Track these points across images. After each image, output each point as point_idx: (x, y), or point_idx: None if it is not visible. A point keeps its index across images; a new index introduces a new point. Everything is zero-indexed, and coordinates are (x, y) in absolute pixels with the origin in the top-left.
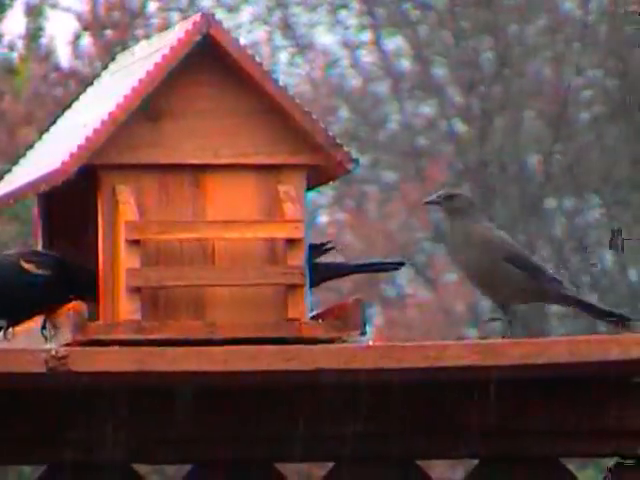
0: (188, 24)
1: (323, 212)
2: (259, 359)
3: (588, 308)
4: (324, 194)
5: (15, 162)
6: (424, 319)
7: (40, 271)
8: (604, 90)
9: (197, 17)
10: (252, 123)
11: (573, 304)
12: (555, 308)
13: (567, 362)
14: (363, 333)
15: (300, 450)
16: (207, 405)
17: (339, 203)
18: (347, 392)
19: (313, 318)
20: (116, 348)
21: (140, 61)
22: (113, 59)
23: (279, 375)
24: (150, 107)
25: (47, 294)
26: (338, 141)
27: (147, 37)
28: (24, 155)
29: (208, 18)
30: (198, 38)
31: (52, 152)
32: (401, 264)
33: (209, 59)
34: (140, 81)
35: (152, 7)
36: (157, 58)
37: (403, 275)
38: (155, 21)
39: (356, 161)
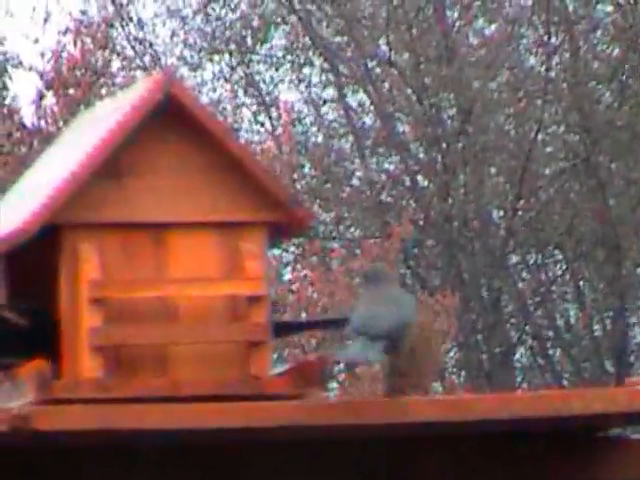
0: (150, 82)
1: (287, 269)
2: (223, 416)
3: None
4: (288, 251)
5: None
6: None
7: (21, 320)
8: (566, 145)
9: (159, 75)
10: (213, 181)
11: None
12: (520, 362)
13: (530, 417)
14: (326, 389)
15: None
16: (171, 462)
17: (303, 260)
18: (311, 448)
19: (277, 375)
20: (79, 406)
21: (102, 119)
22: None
23: (243, 432)
24: (112, 165)
25: (25, 343)
26: (299, 198)
27: (110, 96)
28: None
29: (169, 76)
30: (160, 96)
31: (15, 211)
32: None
33: (171, 117)
34: (102, 139)
35: (115, 66)
36: (119, 116)
37: None
38: (119, 80)
39: (316, 218)
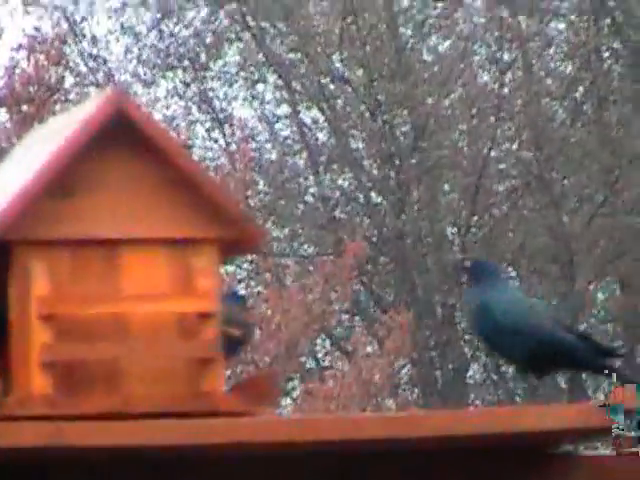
0: (100, 99)
1: (241, 285)
2: (173, 433)
3: None
4: (242, 268)
5: None
6: (343, 391)
7: None
8: (519, 162)
9: (110, 92)
10: (165, 198)
11: None
12: (474, 379)
13: (482, 433)
14: (279, 406)
15: None
16: (122, 478)
17: (257, 276)
18: (262, 464)
19: (229, 390)
20: (30, 423)
21: (53, 135)
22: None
23: (193, 448)
24: (63, 182)
25: None
26: (250, 215)
27: (63, 112)
28: None
29: (120, 93)
30: (110, 113)
31: None
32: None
33: (122, 133)
34: (53, 156)
35: (69, 82)
36: (70, 133)
37: (321, 348)
38: (72, 96)
39: (267, 235)
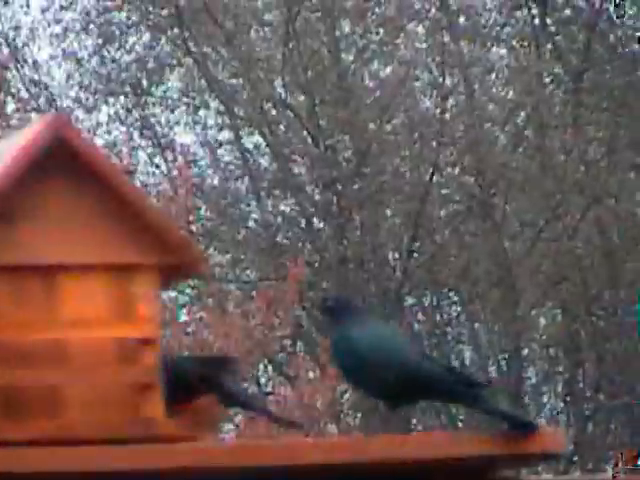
0: (41, 124)
1: (183, 310)
2: (114, 458)
3: None
4: (184, 293)
5: None
6: (285, 416)
7: None
8: (461, 187)
9: (49, 117)
10: (106, 224)
11: None
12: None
13: (420, 458)
14: (221, 431)
15: None
16: None
17: (199, 301)
18: None
19: (170, 417)
20: None
21: None
22: None
23: (134, 474)
24: (2, 208)
25: None
26: (192, 240)
27: (3, 138)
28: None
29: (61, 118)
30: (49, 138)
31: None
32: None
33: (63, 159)
34: None
35: (10, 108)
36: (9, 158)
37: (263, 373)
38: (14, 122)
39: (209, 261)
